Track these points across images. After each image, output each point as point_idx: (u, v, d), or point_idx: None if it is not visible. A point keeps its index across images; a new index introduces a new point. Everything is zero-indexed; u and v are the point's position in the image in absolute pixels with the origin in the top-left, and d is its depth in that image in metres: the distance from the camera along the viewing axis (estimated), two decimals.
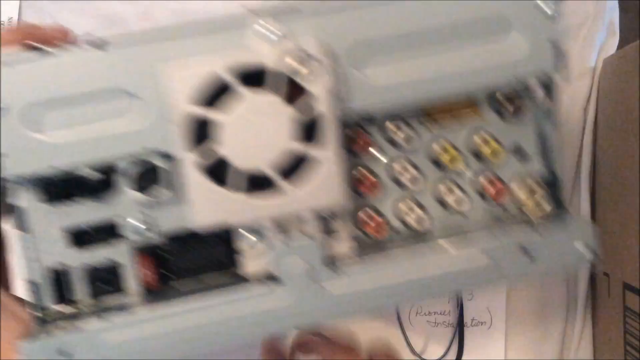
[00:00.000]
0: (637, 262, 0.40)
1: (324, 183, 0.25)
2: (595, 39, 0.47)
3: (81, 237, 0.27)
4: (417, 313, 0.47)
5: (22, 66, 0.25)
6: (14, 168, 0.25)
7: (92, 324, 0.26)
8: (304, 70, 0.25)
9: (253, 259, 0.27)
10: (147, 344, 0.26)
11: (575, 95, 0.47)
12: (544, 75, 0.27)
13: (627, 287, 0.42)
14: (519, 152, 0.29)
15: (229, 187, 0.25)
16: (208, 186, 0.25)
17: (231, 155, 0.25)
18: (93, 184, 0.26)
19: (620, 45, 0.48)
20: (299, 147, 0.25)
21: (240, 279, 0.27)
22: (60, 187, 0.26)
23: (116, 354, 0.26)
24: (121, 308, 0.27)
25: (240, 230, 0.27)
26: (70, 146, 0.25)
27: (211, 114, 0.25)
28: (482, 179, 0.29)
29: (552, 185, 0.29)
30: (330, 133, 0.25)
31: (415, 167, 0.29)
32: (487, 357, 0.47)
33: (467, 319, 0.47)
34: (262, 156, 0.25)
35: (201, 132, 0.25)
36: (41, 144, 0.25)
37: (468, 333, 0.47)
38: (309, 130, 0.25)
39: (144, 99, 0.25)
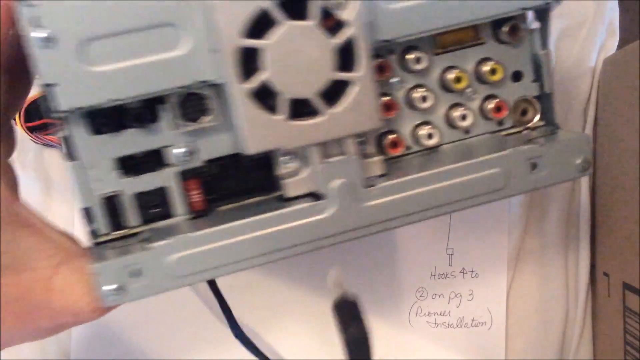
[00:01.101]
0: (637, 262, 0.40)
1: (361, 106, 0.28)
2: (595, 39, 0.47)
3: (131, 166, 0.29)
4: (416, 314, 0.47)
5: None
6: (65, 100, 0.26)
7: (156, 244, 0.27)
8: (338, 0, 0.27)
9: (295, 181, 0.30)
10: (204, 260, 0.28)
11: (575, 95, 0.47)
12: (541, 6, 0.30)
13: (627, 287, 0.42)
14: (516, 76, 0.33)
15: (276, 114, 0.27)
16: (257, 113, 0.27)
17: (277, 82, 0.27)
18: (141, 114, 0.28)
19: (620, 45, 0.48)
20: (337, 72, 0.27)
21: (283, 200, 0.30)
22: (110, 119, 0.28)
23: (180, 270, 0.28)
24: (172, 231, 0.28)
25: (283, 154, 0.29)
26: (120, 78, 0.26)
27: (257, 44, 0.27)
28: (485, 100, 0.33)
29: (545, 104, 0.33)
30: (364, 58, 0.28)
31: (430, 91, 0.32)
32: (487, 357, 0.47)
33: (467, 319, 0.48)
34: (305, 82, 0.27)
35: (248, 62, 0.27)
36: (92, 76, 0.26)
37: (468, 333, 0.48)
38: (345, 57, 0.28)
39: (193, 32, 0.27)
